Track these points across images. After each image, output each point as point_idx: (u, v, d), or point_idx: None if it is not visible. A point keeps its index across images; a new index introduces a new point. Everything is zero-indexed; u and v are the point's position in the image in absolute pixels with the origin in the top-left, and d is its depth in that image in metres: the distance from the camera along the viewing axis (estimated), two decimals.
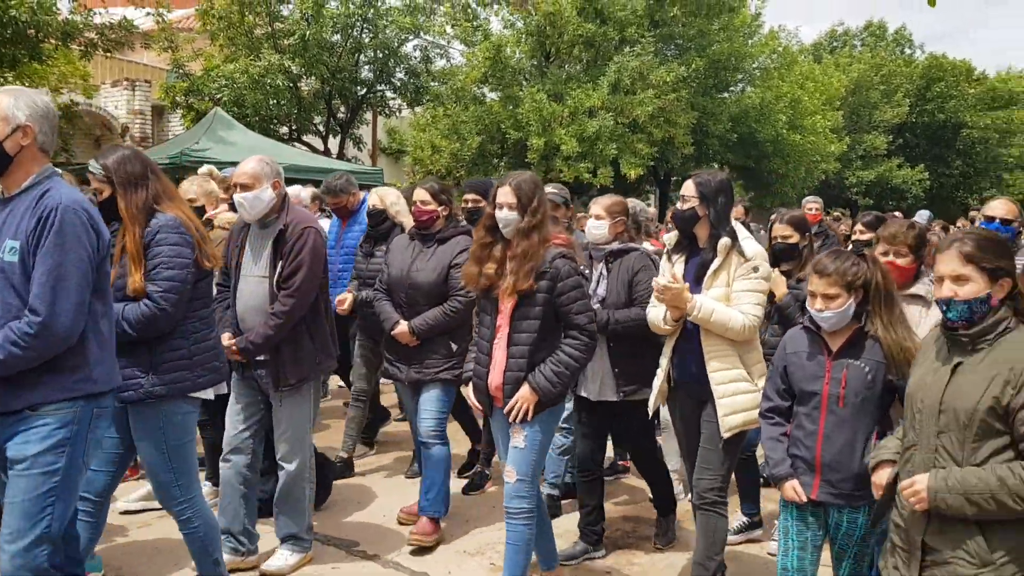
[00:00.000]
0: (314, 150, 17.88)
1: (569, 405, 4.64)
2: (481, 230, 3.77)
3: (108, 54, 13.26)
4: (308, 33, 16.49)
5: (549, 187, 5.40)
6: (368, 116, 21.11)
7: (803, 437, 3.21)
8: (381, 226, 5.56)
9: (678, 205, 3.92)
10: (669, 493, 4.73)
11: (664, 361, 3.96)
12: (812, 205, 8.73)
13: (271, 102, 16.42)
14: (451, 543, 4.71)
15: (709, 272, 3.75)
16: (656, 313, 3.92)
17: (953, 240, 2.60)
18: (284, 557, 4.29)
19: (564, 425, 4.97)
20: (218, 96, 15.55)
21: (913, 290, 3.74)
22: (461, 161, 19.64)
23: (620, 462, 5.98)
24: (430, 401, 4.63)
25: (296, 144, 17.60)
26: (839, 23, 45.03)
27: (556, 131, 18.59)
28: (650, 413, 4.21)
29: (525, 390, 3.61)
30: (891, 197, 31.45)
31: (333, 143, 19.02)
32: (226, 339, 4.08)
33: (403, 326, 4.65)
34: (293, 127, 18.24)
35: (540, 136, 18.55)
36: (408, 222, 5.53)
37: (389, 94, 19.70)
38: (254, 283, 4.13)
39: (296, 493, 4.27)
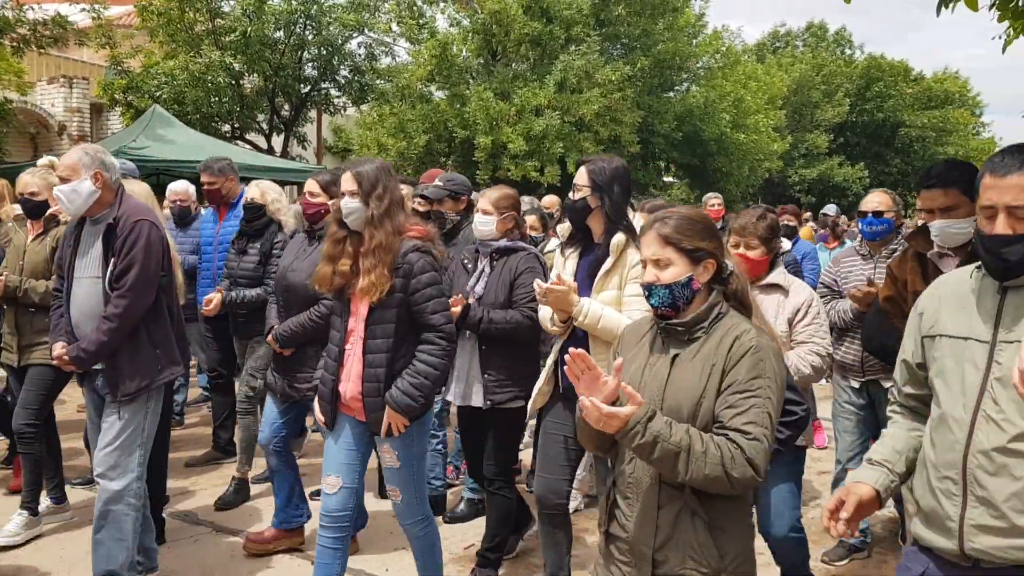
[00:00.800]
0: (258, 148, 17.62)
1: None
2: (333, 225, 3.45)
3: (42, 51, 12.94)
4: (250, 30, 16.23)
5: (437, 178, 5.18)
6: (313, 114, 20.90)
7: None
8: (257, 222, 5.17)
9: (570, 195, 3.60)
10: (505, 534, 4.24)
11: (549, 362, 3.65)
12: (714, 201, 8.84)
13: (212, 99, 16.13)
14: (388, 539, 4.69)
15: (600, 273, 3.45)
16: (544, 312, 3.63)
17: (653, 221, 2.42)
18: None
19: None
20: (158, 93, 15.25)
21: (769, 279, 3.66)
22: (408, 160, 19.58)
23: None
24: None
25: (239, 142, 17.33)
26: (781, 24, 45.85)
27: (503, 130, 18.64)
28: (528, 416, 3.91)
29: (390, 411, 3.31)
30: (832, 194, 32.08)
31: (277, 141, 18.78)
32: (58, 348, 3.77)
33: (272, 333, 4.34)
34: (235, 125, 17.95)
35: (487, 135, 18.58)
36: (288, 220, 5.23)
37: (334, 92, 19.52)
38: (88, 285, 3.74)
39: (117, 516, 3.71)
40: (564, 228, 3.73)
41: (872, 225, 4.49)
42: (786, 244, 6.14)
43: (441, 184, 5.01)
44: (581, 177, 3.52)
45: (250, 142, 18.15)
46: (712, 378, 2.27)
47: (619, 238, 3.41)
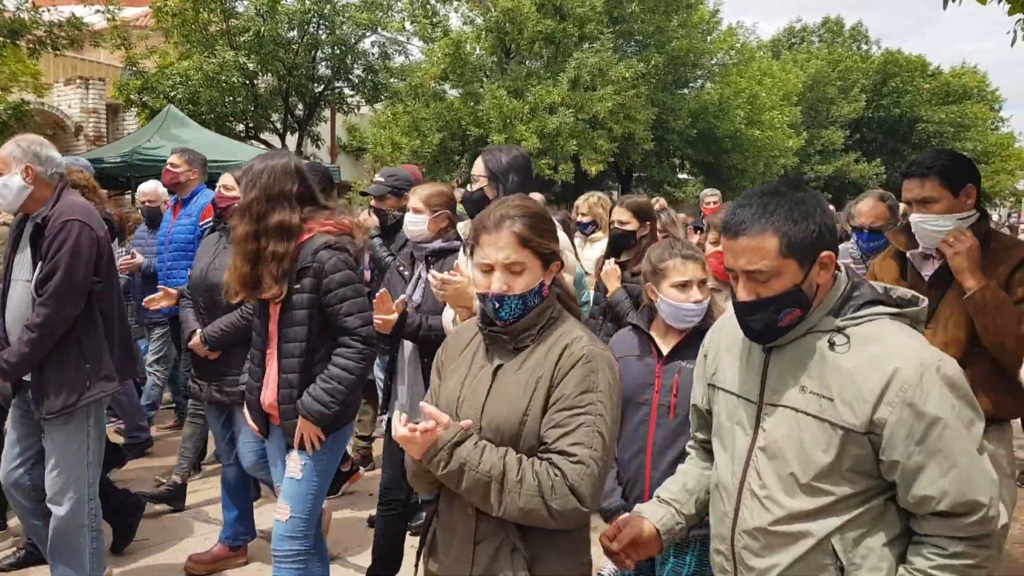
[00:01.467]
0: (272, 148, 17.70)
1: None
2: None
3: (58, 52, 13.06)
4: (263, 29, 16.33)
5: (378, 175, 4.95)
6: (327, 113, 20.99)
7: (630, 458, 2.78)
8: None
9: (468, 187, 3.43)
10: None
11: None
12: (711, 198, 8.50)
13: (226, 99, 16.24)
14: None
15: None
16: (447, 316, 3.35)
17: (502, 217, 2.06)
18: None
19: None
20: (172, 94, 15.37)
21: None
22: (422, 158, 19.58)
23: None
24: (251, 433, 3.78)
25: (253, 142, 17.42)
26: (797, 19, 45.57)
27: (517, 127, 18.61)
28: None
29: (302, 420, 3.12)
30: (849, 191, 31.87)
31: (291, 140, 18.86)
32: None
33: (196, 336, 4.13)
34: (249, 124, 18.05)
35: (501, 132, 18.56)
36: None
37: (347, 91, 19.60)
38: (21, 288, 3.50)
39: (70, 540, 3.56)
40: (464, 225, 3.49)
41: (869, 241, 4.34)
42: None
43: (383, 180, 4.81)
44: (477, 168, 3.43)
45: (264, 142, 18.25)
46: (538, 393, 1.98)
47: None
